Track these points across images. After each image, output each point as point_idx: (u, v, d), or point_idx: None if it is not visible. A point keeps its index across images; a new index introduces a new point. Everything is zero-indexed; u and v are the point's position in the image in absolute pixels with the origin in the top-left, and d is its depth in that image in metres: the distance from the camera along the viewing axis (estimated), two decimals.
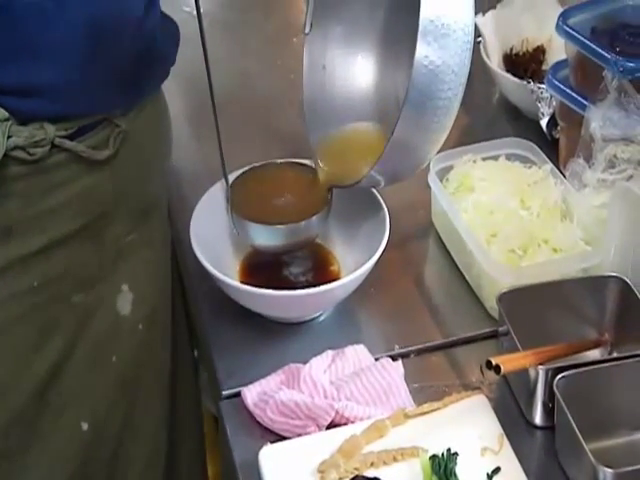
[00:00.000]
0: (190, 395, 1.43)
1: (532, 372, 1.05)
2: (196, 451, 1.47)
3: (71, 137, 1.16)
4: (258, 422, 1.09)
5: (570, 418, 0.98)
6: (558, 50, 1.43)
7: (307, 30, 1.22)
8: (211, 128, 1.52)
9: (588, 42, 1.26)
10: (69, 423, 1.25)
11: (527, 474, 1.02)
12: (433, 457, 1.02)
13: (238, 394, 1.11)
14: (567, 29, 1.29)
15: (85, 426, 1.26)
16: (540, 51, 1.55)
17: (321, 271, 1.26)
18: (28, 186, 1.15)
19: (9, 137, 1.10)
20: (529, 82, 1.44)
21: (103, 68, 1.13)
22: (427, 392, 1.12)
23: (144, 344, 1.29)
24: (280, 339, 1.18)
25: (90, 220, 1.20)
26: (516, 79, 1.48)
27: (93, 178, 1.19)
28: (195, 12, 1.80)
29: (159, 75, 1.25)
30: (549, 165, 1.29)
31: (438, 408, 1.08)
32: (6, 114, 1.10)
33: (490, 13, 1.56)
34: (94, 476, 1.28)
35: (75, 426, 1.25)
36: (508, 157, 1.32)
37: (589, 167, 1.23)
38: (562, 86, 1.32)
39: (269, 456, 1.05)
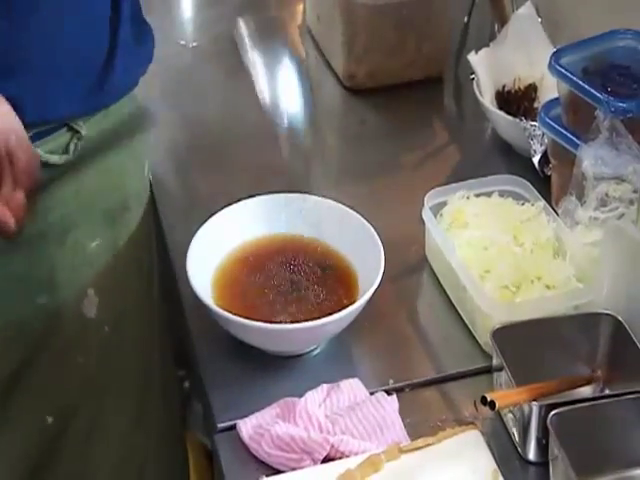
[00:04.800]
0: (165, 404, 1.42)
1: (526, 408, 1.06)
2: (178, 465, 1.47)
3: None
4: (253, 455, 1.08)
5: (564, 454, 0.99)
6: (550, 88, 1.44)
7: None
8: (208, 159, 1.53)
9: (580, 82, 1.28)
10: (34, 416, 1.26)
11: None
12: None
13: (233, 427, 1.11)
14: (559, 69, 1.31)
15: (50, 419, 1.26)
16: (532, 89, 1.57)
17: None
18: None
19: None
20: (521, 120, 1.45)
21: (62, 79, 1.12)
22: (421, 427, 1.12)
23: (111, 345, 1.30)
24: (275, 372, 1.18)
25: (52, 223, 1.20)
26: (508, 116, 1.49)
27: (54, 182, 1.18)
28: (190, 45, 1.83)
29: (125, 83, 1.23)
30: (542, 202, 1.30)
31: (432, 443, 1.08)
32: None
33: (483, 51, 1.57)
34: (59, 470, 1.28)
35: (41, 419, 1.26)
36: (501, 194, 1.33)
37: (581, 205, 1.24)
38: (554, 124, 1.33)
39: None
